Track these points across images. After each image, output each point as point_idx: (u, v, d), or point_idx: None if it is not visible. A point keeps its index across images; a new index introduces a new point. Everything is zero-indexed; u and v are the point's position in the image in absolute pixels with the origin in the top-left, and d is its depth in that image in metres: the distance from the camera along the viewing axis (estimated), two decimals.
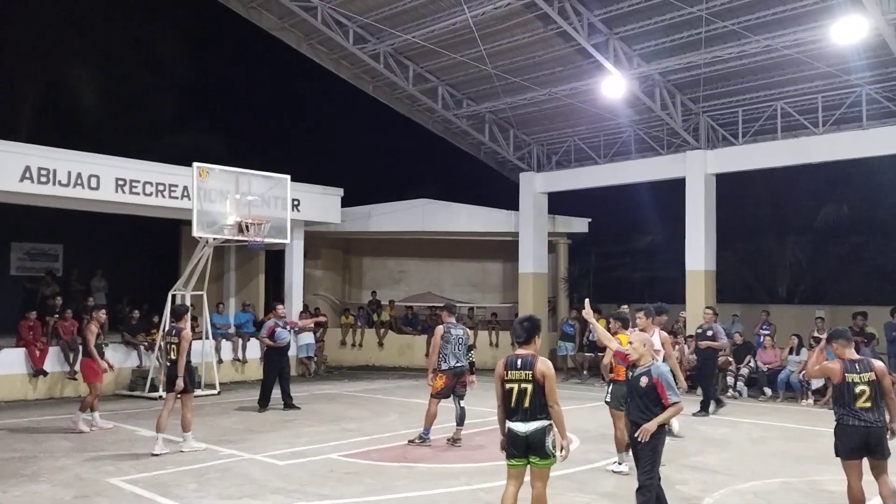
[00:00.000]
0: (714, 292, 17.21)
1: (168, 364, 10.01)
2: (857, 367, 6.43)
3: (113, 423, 11.31)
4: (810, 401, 14.18)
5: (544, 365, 5.81)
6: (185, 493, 7.73)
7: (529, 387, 5.77)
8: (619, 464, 8.57)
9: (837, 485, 7.94)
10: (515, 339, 6.07)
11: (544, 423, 5.76)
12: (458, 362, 10.10)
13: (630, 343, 6.51)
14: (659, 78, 16.11)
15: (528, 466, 5.83)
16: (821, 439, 10.30)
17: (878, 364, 6.55)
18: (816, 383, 13.84)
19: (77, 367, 14.55)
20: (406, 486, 7.99)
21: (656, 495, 6.10)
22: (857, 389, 6.33)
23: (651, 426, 6.01)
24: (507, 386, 5.85)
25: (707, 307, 14.55)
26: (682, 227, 17.45)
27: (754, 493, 7.85)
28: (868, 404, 6.31)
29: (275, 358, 13.37)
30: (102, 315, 11.97)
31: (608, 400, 8.72)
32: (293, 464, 9.04)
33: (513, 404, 5.81)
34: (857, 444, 6.36)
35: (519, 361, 5.85)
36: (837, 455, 6.53)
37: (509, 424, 5.84)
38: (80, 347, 14.92)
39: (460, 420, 10.21)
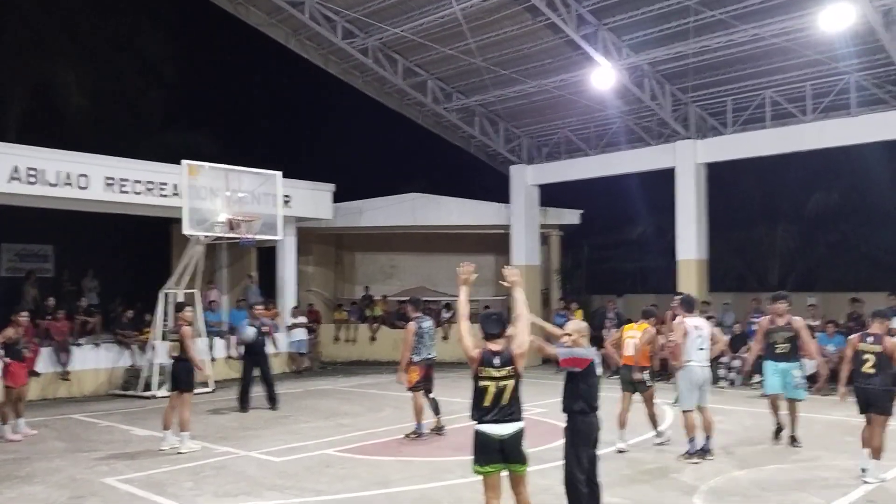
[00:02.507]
0: (706, 281, 17.26)
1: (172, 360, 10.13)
2: (869, 339, 7.67)
3: (36, 431, 11.00)
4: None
5: (520, 348, 5.45)
6: (181, 491, 7.72)
7: (510, 383, 5.39)
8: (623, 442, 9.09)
9: (830, 471, 8.04)
10: (487, 332, 5.56)
11: (520, 424, 5.41)
12: (429, 354, 10.32)
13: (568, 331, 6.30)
14: (648, 68, 16.11)
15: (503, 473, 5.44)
16: (814, 426, 10.37)
17: (889, 340, 7.56)
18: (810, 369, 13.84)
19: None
20: (402, 481, 8.00)
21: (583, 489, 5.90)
22: (864, 357, 7.61)
23: None
24: (482, 384, 5.39)
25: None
26: (674, 217, 17.48)
27: (749, 479, 7.89)
28: (872, 371, 7.52)
29: (246, 357, 13.29)
30: (23, 318, 11.10)
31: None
32: (289, 460, 9.03)
33: (487, 403, 5.36)
34: (860, 402, 7.64)
35: (496, 359, 5.39)
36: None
37: (480, 427, 5.39)
38: (71, 348, 15.05)
39: (436, 409, 10.37)
